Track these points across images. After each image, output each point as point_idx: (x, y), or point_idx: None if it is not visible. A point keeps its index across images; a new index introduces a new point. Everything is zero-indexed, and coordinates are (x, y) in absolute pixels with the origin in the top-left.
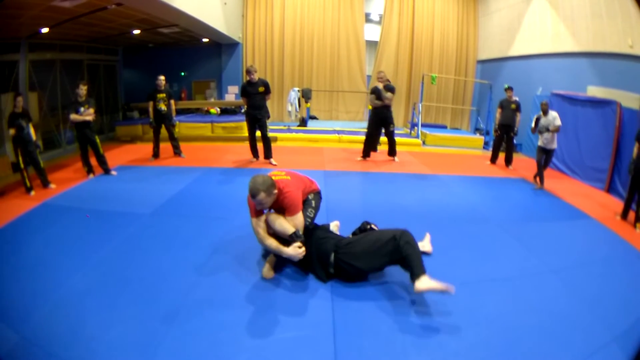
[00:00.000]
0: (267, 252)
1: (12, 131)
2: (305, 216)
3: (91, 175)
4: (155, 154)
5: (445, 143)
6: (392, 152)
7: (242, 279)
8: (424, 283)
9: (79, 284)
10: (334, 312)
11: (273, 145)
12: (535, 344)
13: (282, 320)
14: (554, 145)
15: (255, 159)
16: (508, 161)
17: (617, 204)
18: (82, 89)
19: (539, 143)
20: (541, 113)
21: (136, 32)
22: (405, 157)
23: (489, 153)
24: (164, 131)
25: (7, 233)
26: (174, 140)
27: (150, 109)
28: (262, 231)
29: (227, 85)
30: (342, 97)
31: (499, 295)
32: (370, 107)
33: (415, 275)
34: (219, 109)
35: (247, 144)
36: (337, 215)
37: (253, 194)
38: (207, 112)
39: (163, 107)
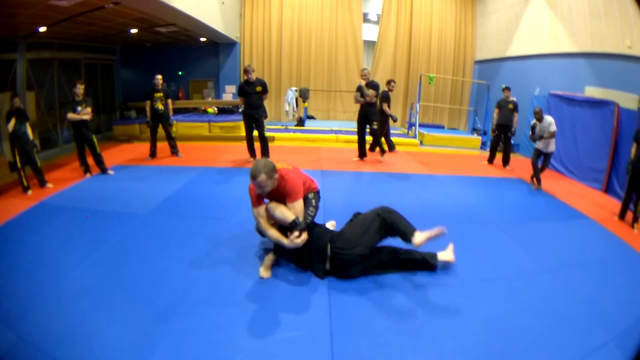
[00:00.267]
0: (264, 252)
1: (12, 122)
2: (306, 214)
3: (88, 175)
4: (153, 154)
5: (442, 143)
6: (372, 148)
7: (239, 279)
8: (419, 237)
9: (76, 283)
10: (331, 312)
11: (270, 145)
12: (532, 344)
13: (279, 320)
14: (552, 148)
15: (252, 159)
16: (505, 161)
17: (615, 204)
18: (80, 88)
19: (537, 145)
20: (536, 120)
21: (134, 31)
22: (402, 157)
23: (486, 153)
24: (161, 131)
25: (4, 232)
26: (171, 139)
27: (148, 109)
28: (263, 220)
29: (224, 84)
30: (340, 96)
31: (497, 296)
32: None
33: (408, 234)
34: (216, 109)
35: (244, 144)
36: (334, 215)
37: (254, 175)
38: (205, 112)
39: (160, 106)
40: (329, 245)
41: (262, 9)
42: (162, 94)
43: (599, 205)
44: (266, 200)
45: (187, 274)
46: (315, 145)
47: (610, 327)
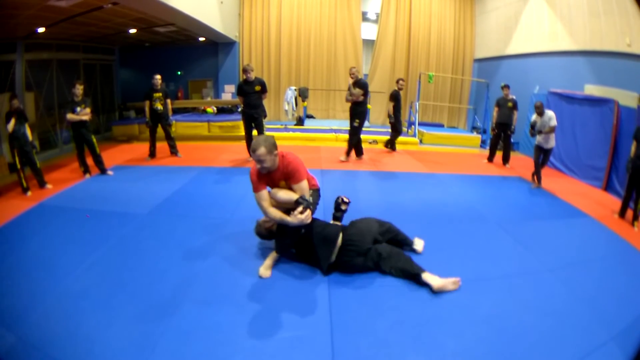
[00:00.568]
0: (264, 252)
1: (12, 123)
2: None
3: (87, 175)
4: (152, 154)
5: (442, 142)
6: (349, 150)
7: (239, 279)
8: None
9: (76, 284)
10: (332, 311)
11: None
12: (533, 343)
13: (279, 320)
14: (552, 144)
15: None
16: (505, 159)
17: (615, 202)
18: (79, 89)
19: (537, 142)
20: (536, 115)
21: (132, 31)
22: (402, 155)
23: (486, 151)
24: (160, 131)
25: (4, 233)
26: (170, 139)
27: (147, 109)
28: (265, 203)
29: (223, 84)
30: (339, 95)
31: (497, 294)
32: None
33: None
34: (215, 108)
35: (243, 143)
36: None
37: (254, 148)
38: (204, 112)
39: (159, 106)
40: (341, 235)
41: (261, 8)
42: (161, 94)
43: (599, 203)
44: (269, 189)
45: (186, 274)
46: (315, 144)
47: (611, 325)
